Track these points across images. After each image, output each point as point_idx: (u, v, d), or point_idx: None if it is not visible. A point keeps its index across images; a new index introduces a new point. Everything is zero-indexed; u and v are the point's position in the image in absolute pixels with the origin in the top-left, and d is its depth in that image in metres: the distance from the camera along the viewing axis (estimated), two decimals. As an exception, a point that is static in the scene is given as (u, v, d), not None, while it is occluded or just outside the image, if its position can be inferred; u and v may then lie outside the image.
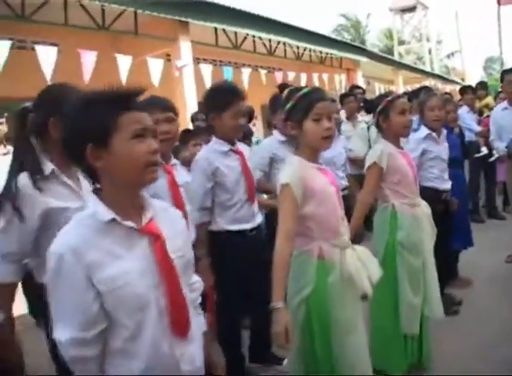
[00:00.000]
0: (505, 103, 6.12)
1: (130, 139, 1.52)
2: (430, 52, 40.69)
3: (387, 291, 3.35)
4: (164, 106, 2.87)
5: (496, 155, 7.35)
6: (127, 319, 1.50)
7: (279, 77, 11.52)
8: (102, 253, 1.50)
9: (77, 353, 1.49)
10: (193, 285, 1.86)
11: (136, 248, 1.56)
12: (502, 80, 6.17)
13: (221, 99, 3.27)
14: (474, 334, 4.07)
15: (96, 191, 1.61)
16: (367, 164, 3.54)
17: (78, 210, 2.14)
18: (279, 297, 2.29)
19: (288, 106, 2.55)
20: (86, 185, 2.26)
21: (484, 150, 7.89)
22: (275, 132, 4.23)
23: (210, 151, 3.40)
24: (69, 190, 2.26)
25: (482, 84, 10.21)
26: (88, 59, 7.62)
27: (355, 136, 7.18)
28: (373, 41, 44.47)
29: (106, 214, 1.53)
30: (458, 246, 5.07)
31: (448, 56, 47.43)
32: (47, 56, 7.14)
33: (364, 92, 8.59)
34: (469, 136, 7.49)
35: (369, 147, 6.58)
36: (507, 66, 16.05)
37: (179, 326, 1.60)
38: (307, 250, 2.52)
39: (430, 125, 4.56)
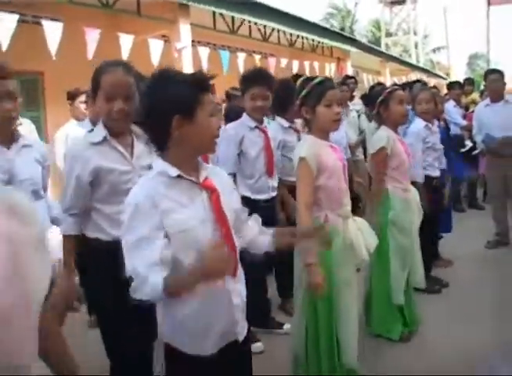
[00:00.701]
0: (488, 101, 6.50)
1: (209, 115, 1.84)
2: (416, 45, 41.08)
3: (382, 266, 3.71)
4: None
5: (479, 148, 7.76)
6: (188, 259, 1.80)
7: (272, 63, 11.77)
8: (171, 202, 1.80)
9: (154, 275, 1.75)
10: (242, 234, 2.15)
11: (197, 200, 1.88)
12: (485, 78, 6.54)
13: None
14: (457, 307, 4.49)
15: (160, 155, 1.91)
16: (374, 148, 3.89)
17: (125, 172, 2.46)
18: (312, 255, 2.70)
19: (303, 93, 2.89)
20: (139, 152, 2.59)
21: (469, 144, 8.28)
22: (278, 118, 4.50)
23: (239, 124, 3.99)
24: (118, 155, 2.56)
25: (469, 81, 10.63)
26: (92, 37, 7.81)
27: (347, 124, 7.51)
28: (361, 31, 44.83)
29: (173, 171, 1.85)
30: (440, 230, 5.48)
31: (434, 51, 47.93)
32: (53, 32, 7.31)
33: (356, 82, 8.90)
34: (454, 130, 7.88)
35: (360, 134, 6.97)
36: (493, 63, 16.49)
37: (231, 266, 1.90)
38: (315, 217, 2.88)
39: (420, 117, 4.93)
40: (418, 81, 6.98)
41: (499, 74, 6.41)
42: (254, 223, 2.17)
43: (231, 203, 1.99)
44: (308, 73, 13.10)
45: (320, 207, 2.93)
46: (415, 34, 41.23)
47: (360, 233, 2.94)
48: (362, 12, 50.15)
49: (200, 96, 1.83)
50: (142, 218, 1.76)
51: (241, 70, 10.06)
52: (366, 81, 17.01)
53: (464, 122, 8.34)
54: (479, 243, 6.33)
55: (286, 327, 4.00)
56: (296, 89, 3.04)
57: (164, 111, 1.80)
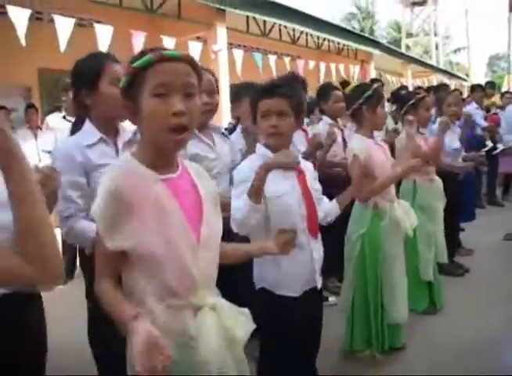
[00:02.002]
0: None
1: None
2: (437, 46, 41.32)
3: (411, 246, 4.28)
4: None
5: (501, 148, 8.30)
6: (282, 221, 2.39)
7: (300, 65, 12.32)
8: (271, 176, 2.34)
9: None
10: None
11: (289, 177, 2.49)
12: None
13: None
14: (478, 292, 5.02)
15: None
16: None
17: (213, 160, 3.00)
18: None
19: (365, 95, 3.46)
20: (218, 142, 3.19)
21: (490, 144, 8.78)
22: (325, 117, 5.11)
23: None
24: (206, 145, 3.08)
25: (491, 84, 11.11)
26: (138, 39, 8.42)
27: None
28: (381, 31, 45.16)
29: (271, 154, 2.45)
30: (463, 219, 6.03)
31: (454, 52, 48.08)
32: (104, 35, 7.93)
33: (383, 84, 9.43)
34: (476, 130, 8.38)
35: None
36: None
37: (313, 228, 2.53)
38: (368, 203, 3.48)
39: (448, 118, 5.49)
40: (444, 84, 7.51)
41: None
42: (325, 199, 2.76)
43: (313, 184, 2.59)
44: (334, 75, 13.68)
45: None
46: (435, 35, 41.44)
47: (403, 213, 3.55)
48: (381, 13, 50.41)
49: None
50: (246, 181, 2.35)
51: (274, 72, 10.66)
52: (389, 83, 17.47)
53: (485, 123, 8.81)
54: (498, 236, 6.87)
55: (332, 299, 4.58)
56: (352, 92, 3.64)
57: None
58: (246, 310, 1.72)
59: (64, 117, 5.87)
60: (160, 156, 1.65)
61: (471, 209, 6.31)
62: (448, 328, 4.21)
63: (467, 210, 6.10)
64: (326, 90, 5.16)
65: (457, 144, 5.54)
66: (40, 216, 1.18)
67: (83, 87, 2.47)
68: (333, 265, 4.79)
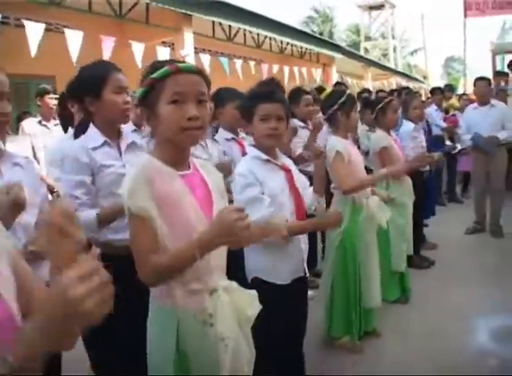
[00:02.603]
0: (475, 104, 7.44)
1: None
2: (394, 49, 42.20)
3: (384, 239, 4.55)
4: None
5: (459, 147, 8.73)
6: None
7: (265, 69, 12.58)
8: (265, 174, 2.62)
9: None
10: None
11: (278, 176, 2.72)
12: (474, 84, 7.44)
13: None
14: (444, 282, 5.35)
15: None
16: (378, 147, 4.76)
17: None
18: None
19: (340, 101, 3.74)
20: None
21: (449, 144, 9.19)
22: (295, 120, 5.33)
23: None
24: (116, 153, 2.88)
25: (449, 87, 11.58)
26: (108, 44, 8.52)
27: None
28: (340, 35, 45.87)
29: (264, 156, 2.68)
30: (424, 216, 6.39)
31: (411, 54, 49.12)
32: (74, 40, 8.01)
33: (347, 87, 9.76)
34: (435, 131, 8.77)
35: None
36: (468, 66, 17.60)
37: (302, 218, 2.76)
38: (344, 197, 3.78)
39: (412, 121, 5.83)
40: (407, 88, 7.87)
41: (486, 81, 7.34)
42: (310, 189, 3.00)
43: (300, 180, 2.84)
44: (297, 78, 13.99)
45: None
46: (393, 37, 42.33)
47: (378, 208, 3.84)
48: (340, 17, 51.25)
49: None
50: (250, 184, 2.59)
51: (240, 76, 10.90)
52: (350, 85, 17.90)
53: (445, 124, 9.21)
54: (460, 230, 7.26)
55: (310, 293, 4.81)
56: (328, 98, 3.90)
57: None
58: (253, 291, 1.95)
59: (40, 122, 5.97)
60: (176, 154, 1.88)
61: (432, 206, 6.71)
62: (418, 316, 4.52)
63: (428, 207, 6.46)
64: (296, 94, 5.41)
65: (424, 143, 5.90)
66: None
67: (88, 94, 2.63)
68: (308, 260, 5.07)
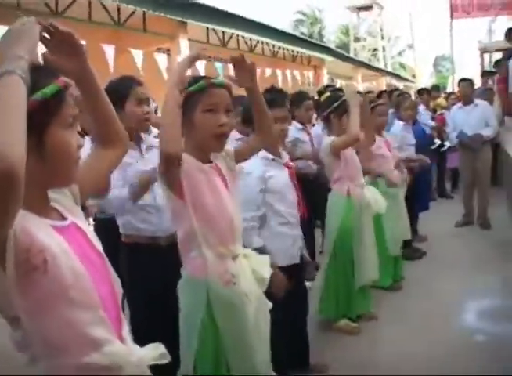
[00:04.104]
0: (460, 104, 7.88)
1: None
2: (384, 49, 42.68)
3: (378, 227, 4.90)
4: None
5: (447, 145, 9.12)
6: (279, 205, 3.03)
7: (258, 73, 12.87)
8: (272, 171, 3.04)
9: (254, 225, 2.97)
10: None
11: (283, 172, 3.11)
12: (458, 85, 7.86)
13: None
14: (433, 268, 5.75)
15: None
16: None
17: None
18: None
19: (334, 105, 4.11)
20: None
21: (437, 142, 9.55)
22: (294, 122, 5.67)
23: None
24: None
25: (436, 87, 11.99)
26: (109, 52, 8.83)
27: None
28: (329, 36, 46.30)
29: (270, 156, 3.08)
30: (418, 209, 6.73)
31: (400, 53, 49.55)
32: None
33: (339, 90, 10.10)
34: (424, 130, 9.12)
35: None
36: (457, 65, 18.13)
37: (302, 212, 3.16)
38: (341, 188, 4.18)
39: (404, 121, 6.18)
40: (397, 89, 8.24)
41: (469, 81, 7.78)
42: None
43: None
44: (290, 81, 14.36)
45: (344, 180, 4.20)
46: (382, 38, 42.80)
47: (373, 197, 4.25)
48: (329, 19, 51.62)
49: None
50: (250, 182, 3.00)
51: (234, 79, 11.20)
52: (342, 86, 18.23)
53: (433, 123, 9.58)
54: (450, 224, 7.67)
55: (307, 284, 5.16)
56: (325, 101, 4.27)
57: None
58: (266, 257, 2.41)
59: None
60: (203, 153, 2.28)
61: (426, 200, 7.06)
62: (413, 301, 4.88)
63: (422, 200, 6.80)
64: (299, 98, 5.76)
65: (413, 141, 6.26)
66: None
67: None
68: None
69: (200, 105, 2.18)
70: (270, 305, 2.37)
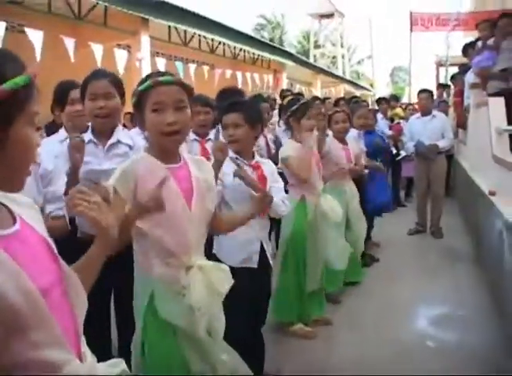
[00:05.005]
0: (418, 114, 8.05)
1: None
2: (343, 57, 43.23)
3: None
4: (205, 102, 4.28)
5: (403, 154, 9.28)
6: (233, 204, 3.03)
7: (218, 74, 12.87)
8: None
9: None
10: None
11: (248, 171, 3.04)
12: (418, 96, 8.04)
13: None
14: (385, 274, 5.84)
15: None
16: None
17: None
18: None
19: (292, 109, 4.14)
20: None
21: (393, 151, 9.70)
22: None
23: None
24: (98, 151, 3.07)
25: (394, 97, 12.20)
26: (70, 45, 8.66)
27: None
28: (290, 42, 46.62)
29: (235, 155, 3.05)
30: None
31: (359, 62, 50.26)
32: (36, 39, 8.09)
33: (298, 94, 10.17)
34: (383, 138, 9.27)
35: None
36: (413, 76, 18.58)
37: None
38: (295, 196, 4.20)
39: (357, 129, 6.23)
40: (355, 97, 8.34)
41: (429, 93, 7.93)
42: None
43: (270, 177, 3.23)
44: (250, 83, 14.37)
45: (298, 189, 4.23)
46: (342, 46, 43.33)
47: (329, 206, 4.25)
48: (291, 24, 51.99)
49: None
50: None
51: (193, 80, 11.15)
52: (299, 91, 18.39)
53: (390, 132, 9.70)
54: (402, 231, 7.81)
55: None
56: (285, 105, 4.28)
57: None
58: (227, 267, 2.28)
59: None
60: (163, 152, 2.21)
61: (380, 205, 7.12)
62: (366, 306, 4.94)
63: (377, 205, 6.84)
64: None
65: (364, 149, 6.29)
66: None
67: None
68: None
69: (148, 105, 2.13)
70: (223, 321, 2.32)
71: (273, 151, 5.52)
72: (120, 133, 3.09)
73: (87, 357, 1.39)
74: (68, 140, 2.81)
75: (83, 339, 1.42)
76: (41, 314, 1.21)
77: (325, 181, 4.69)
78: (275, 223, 5.14)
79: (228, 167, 2.94)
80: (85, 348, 1.41)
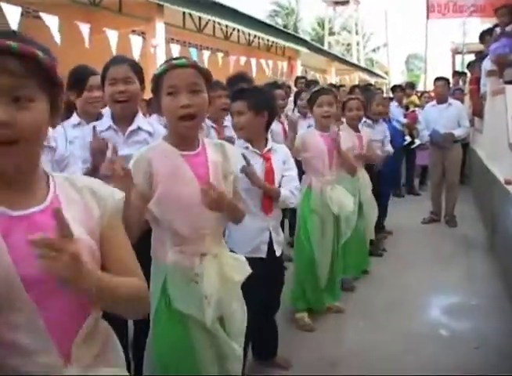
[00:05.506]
0: (434, 102, 7.97)
1: None
2: (358, 44, 42.85)
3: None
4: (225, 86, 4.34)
5: (418, 142, 9.22)
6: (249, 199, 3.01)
7: (232, 61, 12.79)
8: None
9: None
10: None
11: (258, 162, 3.06)
12: (434, 83, 7.98)
13: None
14: (398, 263, 5.83)
15: None
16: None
17: None
18: None
19: (307, 98, 4.22)
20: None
21: (408, 139, 9.65)
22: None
23: None
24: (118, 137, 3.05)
25: (410, 85, 12.06)
26: (85, 31, 8.66)
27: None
28: (304, 28, 46.23)
29: (245, 144, 3.05)
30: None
31: (373, 50, 49.82)
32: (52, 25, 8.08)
33: (313, 82, 10.12)
34: (396, 126, 9.20)
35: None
36: (429, 64, 18.39)
37: (268, 207, 3.12)
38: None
39: (375, 116, 6.16)
40: (370, 84, 8.27)
41: (445, 81, 7.86)
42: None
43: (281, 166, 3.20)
44: (266, 70, 14.29)
45: (308, 173, 4.34)
46: (356, 33, 42.95)
47: (336, 196, 4.23)
48: (305, 11, 51.57)
49: None
50: None
51: (207, 66, 11.08)
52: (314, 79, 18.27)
53: (405, 120, 9.65)
54: (417, 220, 7.77)
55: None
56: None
57: None
58: (243, 258, 2.28)
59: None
60: (179, 138, 2.21)
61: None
62: (378, 295, 4.93)
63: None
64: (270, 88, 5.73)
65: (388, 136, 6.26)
66: None
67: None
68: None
69: (163, 89, 2.13)
70: (240, 310, 2.33)
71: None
72: (141, 120, 3.09)
73: (81, 362, 1.31)
74: (89, 134, 2.87)
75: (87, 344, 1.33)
76: (15, 297, 1.19)
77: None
78: (289, 211, 5.15)
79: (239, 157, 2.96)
80: (84, 354, 1.33)
